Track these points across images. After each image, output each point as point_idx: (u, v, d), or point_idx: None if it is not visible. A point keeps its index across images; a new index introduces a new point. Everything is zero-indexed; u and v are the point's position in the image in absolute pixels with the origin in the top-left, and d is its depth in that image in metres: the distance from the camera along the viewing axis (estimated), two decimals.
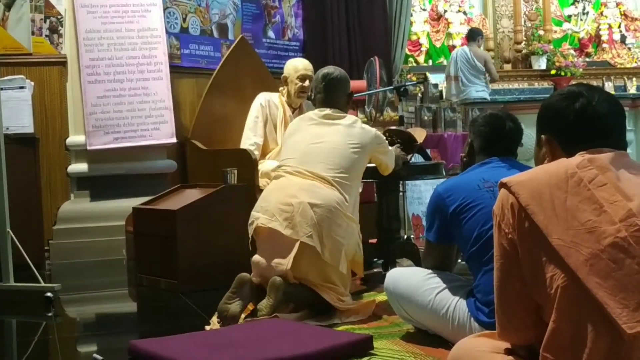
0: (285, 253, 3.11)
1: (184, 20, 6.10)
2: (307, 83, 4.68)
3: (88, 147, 5.32)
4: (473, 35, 8.59)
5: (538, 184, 1.64)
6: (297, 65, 4.76)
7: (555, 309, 1.56)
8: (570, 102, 1.75)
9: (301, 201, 3.12)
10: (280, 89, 4.90)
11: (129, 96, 5.44)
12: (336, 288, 3.18)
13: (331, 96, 3.53)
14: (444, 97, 8.47)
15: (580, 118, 1.73)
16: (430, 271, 2.74)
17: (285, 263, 3.08)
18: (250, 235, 3.27)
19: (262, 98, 4.91)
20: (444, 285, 2.65)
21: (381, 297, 3.37)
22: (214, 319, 3.12)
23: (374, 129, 3.59)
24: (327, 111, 3.48)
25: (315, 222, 3.09)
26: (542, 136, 1.80)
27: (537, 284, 1.61)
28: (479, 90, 8.32)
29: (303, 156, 3.35)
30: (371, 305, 3.21)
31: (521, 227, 1.63)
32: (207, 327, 3.04)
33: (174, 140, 5.53)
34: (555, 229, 1.58)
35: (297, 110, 4.87)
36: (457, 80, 8.35)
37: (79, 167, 5.47)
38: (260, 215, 3.20)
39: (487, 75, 8.44)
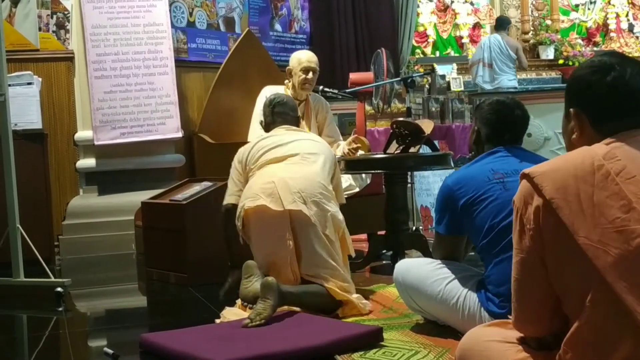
0: (278, 230, 3.13)
1: (191, 14, 6.10)
2: (310, 75, 4.66)
3: (95, 142, 5.33)
4: (503, 24, 8.54)
5: (563, 175, 1.55)
6: (300, 58, 4.73)
7: (583, 308, 1.50)
8: (601, 76, 1.63)
9: (281, 177, 3.20)
10: (286, 81, 4.89)
11: (135, 91, 5.45)
12: (336, 271, 3.12)
13: (282, 119, 3.67)
14: (474, 82, 8.47)
15: (612, 93, 1.62)
16: (439, 261, 2.74)
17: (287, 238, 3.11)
18: (240, 228, 3.24)
19: (268, 91, 4.89)
20: (454, 276, 2.65)
21: (390, 289, 3.37)
22: (224, 313, 3.12)
23: None
24: (286, 125, 3.64)
25: (296, 190, 3.16)
26: (571, 110, 1.69)
27: (561, 278, 1.55)
28: (510, 79, 8.35)
29: (279, 149, 3.43)
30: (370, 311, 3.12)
31: (545, 222, 1.55)
32: (218, 321, 3.04)
33: (180, 134, 5.54)
34: (582, 227, 1.50)
35: (303, 103, 4.86)
36: (491, 67, 8.33)
37: (88, 162, 5.49)
38: (246, 201, 3.22)
39: (516, 63, 8.46)
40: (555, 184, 1.54)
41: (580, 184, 1.53)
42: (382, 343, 2.56)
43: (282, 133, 3.57)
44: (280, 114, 3.67)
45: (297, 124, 3.76)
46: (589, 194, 1.51)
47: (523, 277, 1.64)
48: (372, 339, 2.59)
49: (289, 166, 3.32)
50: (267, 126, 3.71)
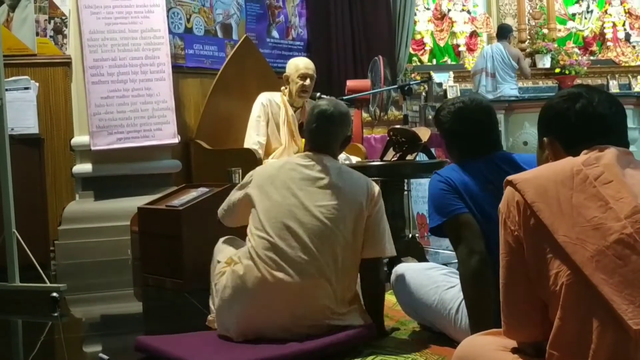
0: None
1: (188, 20, 6.10)
2: (307, 82, 4.68)
3: (92, 148, 5.32)
4: (504, 33, 8.57)
5: (544, 181, 1.64)
6: (298, 64, 4.76)
7: (560, 306, 1.56)
8: (570, 104, 1.77)
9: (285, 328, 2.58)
10: (282, 88, 4.91)
11: (132, 97, 5.44)
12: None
13: (322, 138, 2.80)
14: (476, 91, 8.49)
15: (581, 119, 1.75)
16: (436, 267, 2.73)
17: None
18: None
19: (264, 97, 4.92)
20: (450, 284, 2.63)
21: (386, 296, 3.36)
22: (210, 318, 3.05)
23: (373, 185, 2.85)
24: (314, 159, 2.75)
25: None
26: (544, 138, 1.81)
27: (542, 281, 1.61)
28: (512, 88, 8.41)
29: (282, 235, 2.61)
30: None
31: (527, 225, 1.63)
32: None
33: (176, 140, 5.54)
34: (561, 226, 1.58)
35: (299, 109, 4.87)
36: (493, 77, 8.37)
37: (84, 167, 5.48)
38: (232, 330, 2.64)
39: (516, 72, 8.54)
40: (536, 189, 1.63)
41: (559, 187, 1.62)
42: (378, 351, 2.56)
43: (299, 176, 2.71)
44: (321, 132, 2.78)
45: (345, 144, 2.90)
46: (567, 196, 1.61)
47: (509, 280, 1.70)
48: (366, 334, 2.61)
49: (298, 297, 2.56)
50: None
